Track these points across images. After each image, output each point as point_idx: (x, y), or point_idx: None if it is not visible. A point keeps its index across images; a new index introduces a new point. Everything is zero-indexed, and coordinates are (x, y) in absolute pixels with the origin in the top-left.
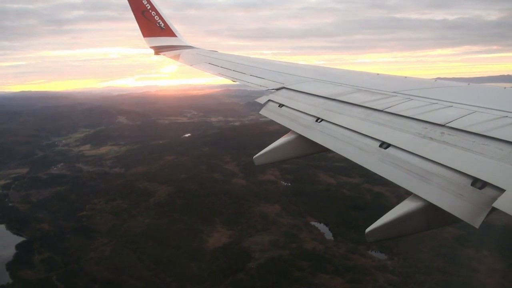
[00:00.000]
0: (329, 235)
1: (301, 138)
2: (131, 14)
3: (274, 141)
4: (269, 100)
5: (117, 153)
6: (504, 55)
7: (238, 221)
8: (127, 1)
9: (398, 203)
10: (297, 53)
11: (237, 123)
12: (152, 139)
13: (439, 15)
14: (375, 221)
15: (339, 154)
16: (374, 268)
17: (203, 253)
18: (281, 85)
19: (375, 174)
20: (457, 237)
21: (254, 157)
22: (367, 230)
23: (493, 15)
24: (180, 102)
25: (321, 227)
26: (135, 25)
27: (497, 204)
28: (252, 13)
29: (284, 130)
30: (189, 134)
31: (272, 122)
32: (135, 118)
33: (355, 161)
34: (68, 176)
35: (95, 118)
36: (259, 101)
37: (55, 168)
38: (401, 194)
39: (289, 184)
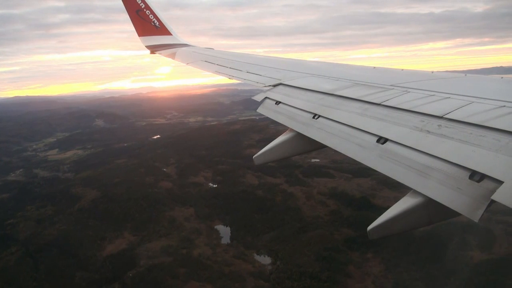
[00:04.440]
0: (226, 239)
1: (299, 135)
2: (117, 16)
3: (230, 141)
4: (266, 98)
5: (78, 158)
6: (497, 46)
7: (145, 227)
8: (111, 3)
9: (306, 203)
10: (289, 50)
11: (214, 123)
12: (119, 142)
13: (424, 8)
14: (270, 223)
15: None
16: (249, 274)
17: (94, 261)
18: (278, 81)
19: (299, 173)
20: (347, 239)
21: (253, 156)
22: (369, 228)
23: (479, 7)
24: (166, 103)
25: (225, 230)
26: (122, 26)
27: (495, 197)
28: (237, 12)
29: (243, 129)
30: (158, 136)
31: (235, 122)
32: (113, 121)
33: (353, 157)
34: (20, 182)
35: (74, 122)
36: (255, 99)
37: (13, 175)
38: (313, 194)
39: (215, 186)
